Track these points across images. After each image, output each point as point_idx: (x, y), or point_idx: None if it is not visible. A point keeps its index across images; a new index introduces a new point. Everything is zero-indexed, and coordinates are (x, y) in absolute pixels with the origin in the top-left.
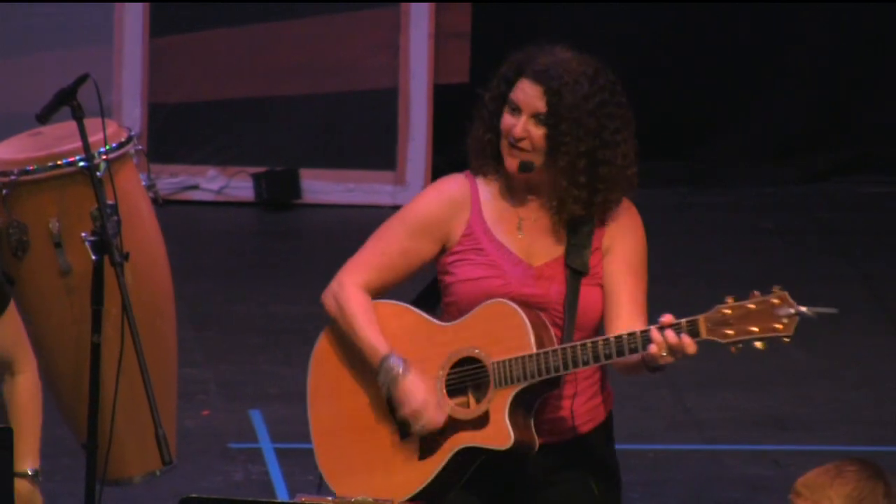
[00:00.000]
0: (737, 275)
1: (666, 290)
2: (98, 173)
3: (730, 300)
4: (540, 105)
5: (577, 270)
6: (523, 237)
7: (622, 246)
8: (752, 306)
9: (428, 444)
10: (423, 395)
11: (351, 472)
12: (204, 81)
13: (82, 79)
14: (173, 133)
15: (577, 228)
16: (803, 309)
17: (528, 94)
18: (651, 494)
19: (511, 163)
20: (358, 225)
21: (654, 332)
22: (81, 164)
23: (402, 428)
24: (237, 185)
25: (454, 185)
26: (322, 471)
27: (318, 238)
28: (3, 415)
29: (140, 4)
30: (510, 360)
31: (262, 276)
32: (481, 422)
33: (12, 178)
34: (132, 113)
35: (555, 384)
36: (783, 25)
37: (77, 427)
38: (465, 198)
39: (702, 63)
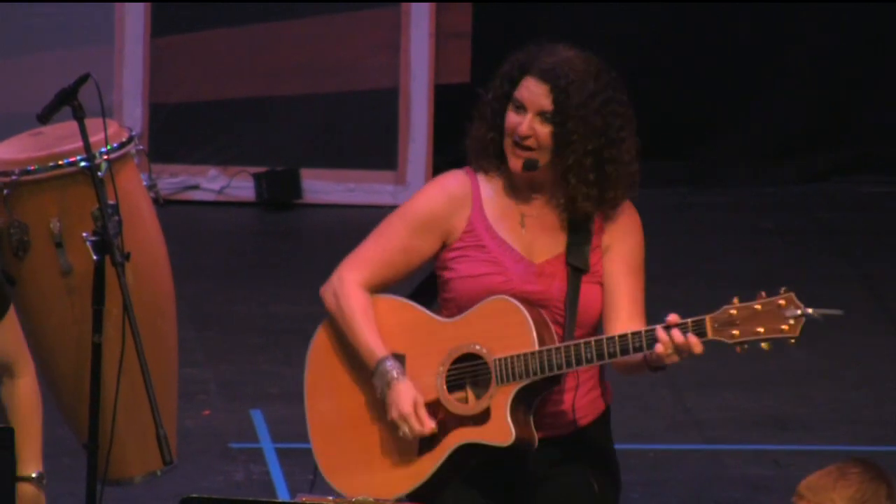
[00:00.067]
0: (737, 275)
1: (666, 290)
2: (99, 173)
3: (736, 300)
4: (546, 103)
5: (577, 268)
6: (525, 234)
7: (622, 245)
8: (758, 307)
9: (427, 439)
10: (411, 402)
11: (349, 467)
12: (205, 81)
13: (83, 79)
14: (174, 133)
15: (578, 227)
16: (810, 310)
17: (533, 92)
18: (651, 494)
19: (515, 162)
20: (358, 225)
21: (661, 332)
22: (82, 164)
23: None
24: (238, 185)
25: (455, 181)
26: (320, 466)
27: (319, 238)
28: (3, 416)
29: (141, 4)
30: (512, 357)
31: (263, 276)
32: (482, 418)
33: (13, 177)
34: (133, 113)
35: (556, 381)
36: (783, 25)
37: (78, 427)
38: (466, 194)
39: (702, 63)
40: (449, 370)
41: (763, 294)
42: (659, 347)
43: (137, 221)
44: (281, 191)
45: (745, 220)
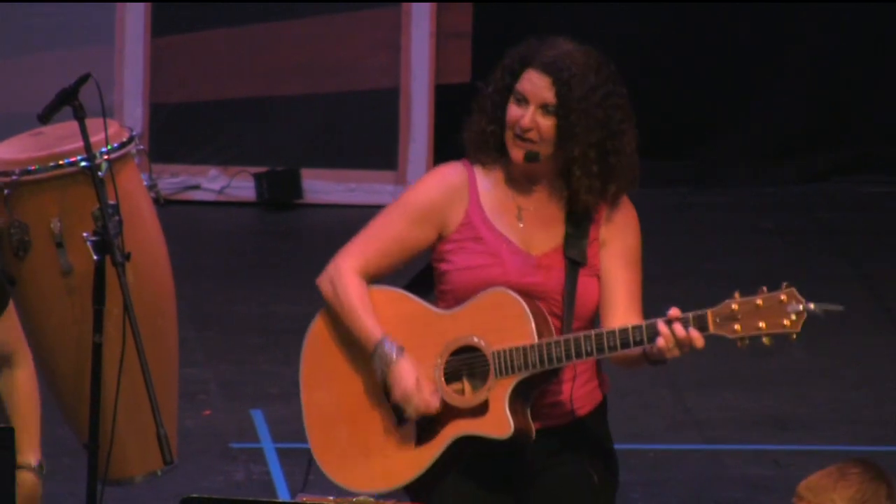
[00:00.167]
0: (737, 275)
1: (666, 289)
2: (99, 173)
3: (737, 295)
4: (548, 96)
5: (575, 261)
6: (523, 227)
7: (619, 240)
8: (759, 302)
9: (425, 431)
10: (414, 379)
11: (346, 458)
12: (205, 81)
13: (84, 79)
14: (174, 133)
15: (576, 220)
16: (811, 306)
17: (536, 85)
18: (651, 494)
19: (517, 153)
20: (359, 225)
21: (662, 326)
22: (83, 164)
23: (399, 414)
24: (238, 184)
25: (453, 173)
26: (316, 457)
27: (319, 238)
28: (3, 416)
29: (141, 4)
30: (511, 350)
31: (263, 276)
32: (480, 410)
33: (14, 177)
34: (133, 113)
35: (554, 374)
36: (783, 25)
37: (78, 427)
38: (463, 185)
39: (702, 63)
40: (447, 362)
41: (764, 289)
42: (660, 341)
43: (138, 221)
44: (281, 191)
45: (745, 220)
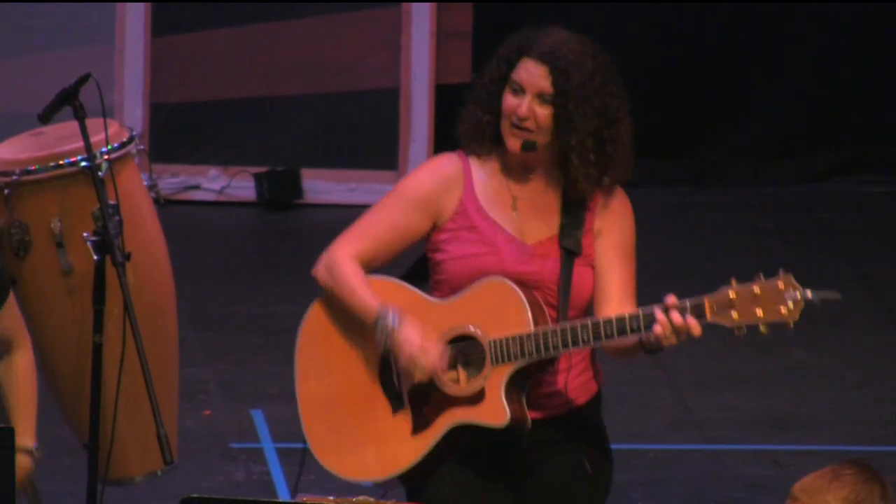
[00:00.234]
0: (737, 275)
1: (666, 289)
2: (100, 173)
3: (734, 282)
4: (545, 85)
5: (570, 250)
6: (517, 216)
7: (614, 230)
8: (757, 290)
9: (421, 419)
10: (419, 341)
11: (342, 447)
12: (205, 81)
13: (84, 79)
14: (175, 133)
15: (571, 210)
16: (809, 294)
17: (532, 73)
18: (651, 494)
19: (514, 143)
20: None
21: (659, 314)
22: (83, 164)
23: (395, 402)
24: (238, 185)
25: (447, 163)
26: (312, 446)
27: (320, 238)
28: (3, 416)
29: (141, 4)
30: (508, 339)
31: (264, 276)
32: (476, 399)
33: (14, 177)
34: (134, 113)
35: (550, 363)
36: (783, 25)
37: (78, 427)
38: (458, 175)
39: (702, 63)
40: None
41: (761, 276)
42: (657, 329)
43: (138, 221)
44: (281, 191)
45: (745, 220)
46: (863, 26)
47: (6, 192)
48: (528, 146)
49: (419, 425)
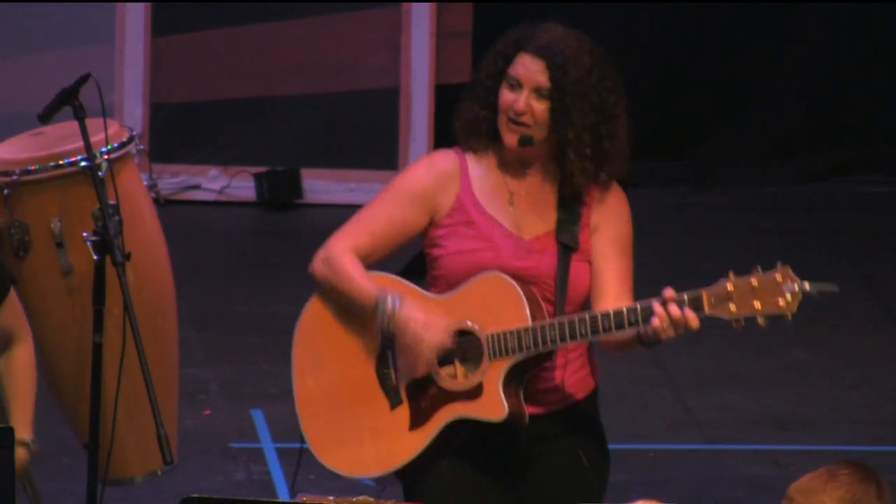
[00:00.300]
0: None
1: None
2: (100, 173)
3: (731, 275)
4: (542, 80)
5: (567, 245)
6: (514, 211)
7: (611, 225)
8: (754, 282)
9: (419, 414)
10: (422, 318)
11: (340, 443)
12: (205, 81)
13: (84, 78)
14: (175, 133)
15: (567, 205)
16: (806, 285)
17: (529, 69)
18: (651, 494)
19: (511, 138)
20: None
21: (657, 306)
22: (83, 163)
23: (392, 398)
24: (238, 184)
25: (444, 159)
26: (309, 442)
27: (320, 238)
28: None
29: (141, 4)
30: (506, 333)
31: (264, 276)
32: (474, 393)
33: (14, 177)
34: (134, 113)
35: (547, 358)
36: (783, 25)
37: (78, 427)
38: (454, 171)
39: (702, 63)
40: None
41: (758, 269)
42: (655, 321)
43: (138, 221)
44: (281, 191)
45: (745, 220)
46: (863, 26)
47: (6, 192)
48: (525, 141)
49: (417, 420)
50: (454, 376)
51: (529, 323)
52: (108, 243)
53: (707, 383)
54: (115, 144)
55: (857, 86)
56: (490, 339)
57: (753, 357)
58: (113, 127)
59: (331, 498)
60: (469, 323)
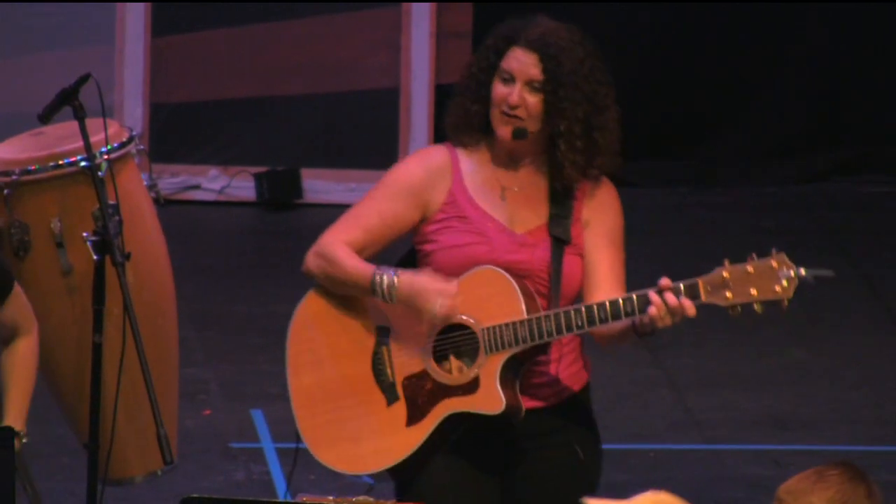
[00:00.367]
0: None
1: None
2: (100, 173)
3: (727, 263)
4: (535, 72)
5: (560, 239)
6: (506, 205)
7: (602, 219)
8: (750, 269)
9: (416, 410)
10: (426, 281)
11: (336, 440)
12: (205, 81)
13: (84, 78)
14: (175, 133)
15: (559, 199)
16: (802, 271)
17: (522, 62)
18: None
19: (505, 130)
20: None
21: (653, 295)
22: (83, 163)
23: (389, 394)
24: (238, 184)
25: (435, 154)
26: (306, 440)
27: None
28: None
29: (141, 4)
30: (501, 326)
31: (264, 276)
32: (471, 387)
33: (14, 177)
34: (134, 113)
35: (542, 351)
36: (783, 25)
37: (78, 427)
38: (446, 166)
39: (702, 63)
40: (435, 341)
41: (754, 256)
42: (652, 310)
43: (138, 221)
44: (281, 191)
45: (745, 220)
46: (863, 26)
47: (6, 192)
48: (518, 133)
49: (414, 416)
50: (449, 371)
51: (525, 316)
52: (107, 243)
53: (707, 383)
54: (115, 144)
55: (857, 86)
56: (486, 333)
57: (753, 357)
58: (113, 127)
59: (331, 498)
60: (464, 317)
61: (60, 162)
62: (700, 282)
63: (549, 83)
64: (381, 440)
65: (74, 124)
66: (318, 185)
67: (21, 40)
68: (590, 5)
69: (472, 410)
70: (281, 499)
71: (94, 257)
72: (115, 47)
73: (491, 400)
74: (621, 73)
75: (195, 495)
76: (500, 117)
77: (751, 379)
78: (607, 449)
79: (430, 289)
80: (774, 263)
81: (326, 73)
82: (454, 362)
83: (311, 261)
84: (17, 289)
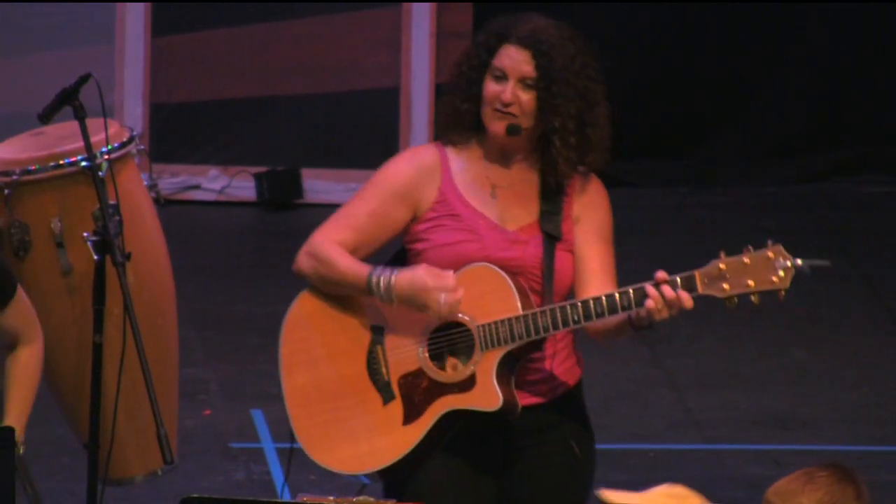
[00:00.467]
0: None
1: None
2: (100, 173)
3: (723, 255)
4: (528, 69)
5: (551, 235)
6: (497, 203)
7: (592, 216)
8: (747, 260)
9: (412, 408)
10: (423, 270)
11: (333, 441)
12: (205, 81)
13: (84, 78)
14: (175, 133)
15: (549, 196)
16: (798, 261)
17: (514, 59)
18: None
19: (499, 126)
20: None
21: (650, 288)
22: (83, 163)
23: (384, 393)
24: (239, 184)
25: (425, 153)
26: (301, 441)
27: None
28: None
29: (141, 4)
30: (497, 323)
31: (264, 276)
32: (467, 384)
33: (14, 177)
34: (134, 113)
35: (537, 347)
36: (783, 25)
37: (78, 427)
38: (435, 165)
39: (702, 63)
40: (430, 339)
41: (750, 248)
42: (650, 303)
43: (138, 221)
44: (282, 191)
45: (745, 220)
46: (863, 26)
47: (6, 191)
48: (512, 130)
49: (410, 414)
50: (443, 369)
51: (520, 312)
52: (108, 243)
53: (707, 383)
54: (116, 144)
55: (857, 86)
56: (481, 330)
57: (753, 357)
58: (113, 127)
59: (331, 498)
60: (460, 314)
61: (61, 162)
62: (697, 274)
63: (542, 80)
64: (378, 439)
65: (75, 124)
66: (319, 185)
67: (21, 40)
68: (590, 5)
69: (470, 407)
70: (281, 499)
71: (95, 257)
72: (115, 47)
73: (488, 396)
74: (621, 73)
75: (195, 495)
76: (493, 114)
77: (751, 379)
78: (607, 449)
79: (430, 286)
80: (770, 254)
81: (326, 73)
82: (449, 360)
83: (304, 261)
84: (21, 294)
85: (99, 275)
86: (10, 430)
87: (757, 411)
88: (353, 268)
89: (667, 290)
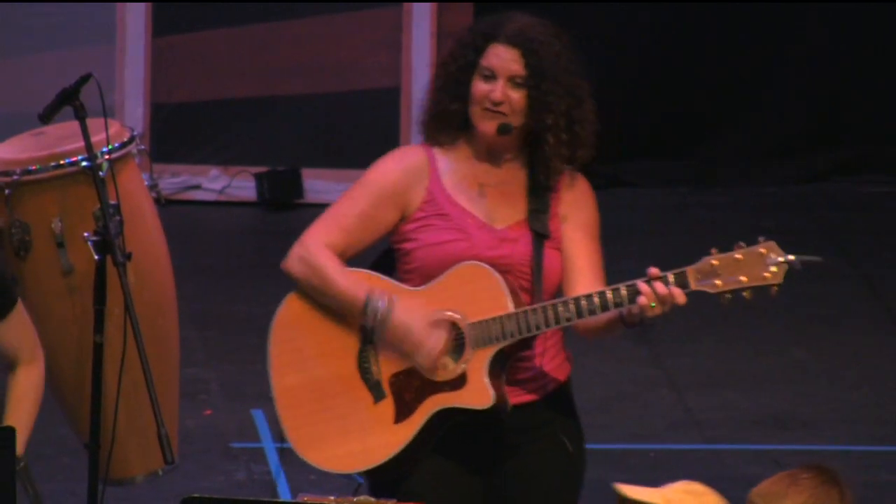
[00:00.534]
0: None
1: None
2: (100, 173)
3: (714, 251)
4: (517, 68)
5: (540, 233)
6: (485, 202)
7: (579, 214)
8: (739, 256)
9: (403, 407)
10: (419, 324)
11: (324, 439)
12: (206, 81)
13: (85, 78)
14: (175, 133)
15: (537, 194)
16: (791, 257)
17: (503, 58)
18: None
19: (489, 125)
20: None
21: (642, 285)
22: (84, 163)
23: (375, 392)
24: (239, 184)
25: (412, 153)
26: (292, 441)
27: None
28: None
29: (142, 4)
30: (488, 321)
31: (264, 276)
32: (458, 383)
33: (15, 177)
34: (134, 113)
35: (529, 344)
36: (783, 25)
37: (79, 427)
38: (423, 165)
39: (702, 63)
40: None
41: (742, 244)
42: (642, 299)
43: (139, 221)
44: (282, 191)
45: (745, 220)
46: (863, 26)
47: (7, 191)
48: (503, 129)
49: (402, 413)
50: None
51: (512, 310)
52: (108, 243)
53: (707, 383)
54: (116, 144)
55: (857, 86)
56: (472, 328)
57: (753, 357)
58: (114, 127)
59: (331, 498)
60: (450, 313)
61: (61, 162)
62: (689, 270)
63: (532, 78)
64: (369, 438)
65: (75, 124)
66: (319, 185)
67: (21, 40)
68: (590, 5)
69: (461, 405)
70: (282, 499)
71: (95, 257)
72: (115, 47)
73: (480, 394)
74: (621, 73)
75: (196, 495)
76: (483, 114)
77: (750, 379)
78: (607, 449)
79: (419, 341)
80: (763, 250)
81: (326, 73)
82: (440, 358)
83: (295, 266)
84: (21, 310)
85: (99, 275)
86: (11, 430)
87: (757, 411)
88: (349, 290)
89: (659, 286)
